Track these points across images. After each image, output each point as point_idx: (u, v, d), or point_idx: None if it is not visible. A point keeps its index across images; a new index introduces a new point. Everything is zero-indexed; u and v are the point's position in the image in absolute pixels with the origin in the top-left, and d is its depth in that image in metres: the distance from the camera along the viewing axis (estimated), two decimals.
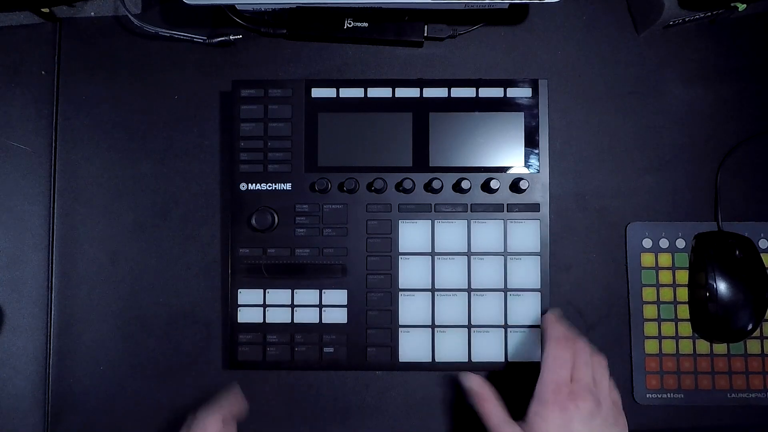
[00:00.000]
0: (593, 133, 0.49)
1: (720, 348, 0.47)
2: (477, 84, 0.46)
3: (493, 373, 0.47)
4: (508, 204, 0.46)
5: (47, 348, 0.48)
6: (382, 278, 0.46)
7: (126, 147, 0.49)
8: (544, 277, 0.46)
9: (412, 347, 0.46)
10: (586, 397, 0.39)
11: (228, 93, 0.49)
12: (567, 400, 0.39)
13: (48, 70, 0.50)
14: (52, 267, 0.48)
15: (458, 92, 0.46)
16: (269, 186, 0.46)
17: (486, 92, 0.46)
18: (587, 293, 0.48)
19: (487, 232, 0.46)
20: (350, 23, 0.49)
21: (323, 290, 0.46)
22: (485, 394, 0.42)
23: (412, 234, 0.46)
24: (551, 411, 0.39)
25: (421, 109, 0.46)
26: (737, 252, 0.46)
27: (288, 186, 0.46)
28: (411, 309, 0.46)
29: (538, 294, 0.46)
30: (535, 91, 0.46)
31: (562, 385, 0.40)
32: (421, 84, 0.46)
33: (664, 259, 0.48)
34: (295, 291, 0.46)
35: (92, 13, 0.50)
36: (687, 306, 0.47)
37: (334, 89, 0.47)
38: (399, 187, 0.46)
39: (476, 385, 0.43)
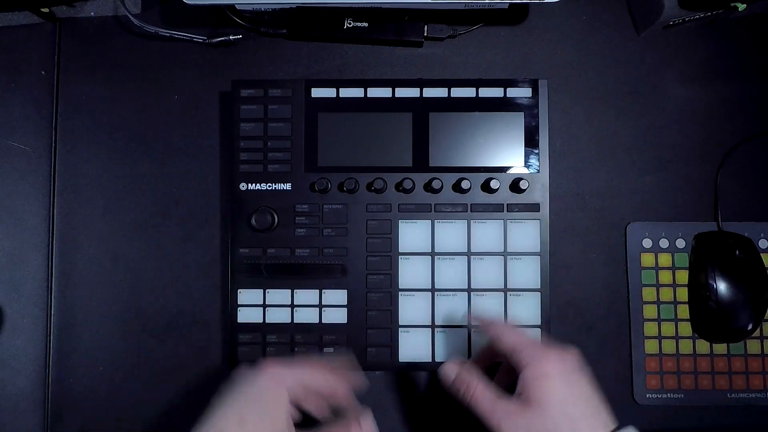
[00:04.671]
0: (593, 133, 0.49)
1: (720, 348, 0.47)
2: (477, 84, 0.46)
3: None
4: (508, 204, 0.46)
5: (47, 348, 0.48)
6: (382, 278, 0.46)
7: (126, 147, 0.49)
8: (544, 277, 0.46)
9: (412, 347, 0.46)
10: (568, 347, 0.37)
11: (228, 93, 0.49)
12: (560, 351, 0.36)
13: (48, 70, 0.50)
14: (52, 267, 0.48)
15: (458, 92, 0.46)
16: (269, 186, 0.46)
17: (486, 92, 0.46)
18: (587, 293, 0.48)
19: (487, 232, 0.46)
20: (350, 23, 0.49)
21: (323, 290, 0.46)
22: (469, 380, 0.38)
23: (412, 234, 0.46)
24: (551, 363, 0.35)
25: (421, 109, 0.46)
26: (737, 252, 0.46)
27: (288, 186, 0.46)
28: (411, 309, 0.46)
29: (538, 294, 0.46)
30: (535, 91, 0.46)
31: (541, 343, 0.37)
32: (421, 84, 0.46)
33: (664, 259, 0.48)
34: (295, 291, 0.46)
35: (92, 13, 0.50)
36: (687, 306, 0.47)
37: (334, 89, 0.47)
38: (399, 187, 0.46)
39: (453, 372, 0.39)
